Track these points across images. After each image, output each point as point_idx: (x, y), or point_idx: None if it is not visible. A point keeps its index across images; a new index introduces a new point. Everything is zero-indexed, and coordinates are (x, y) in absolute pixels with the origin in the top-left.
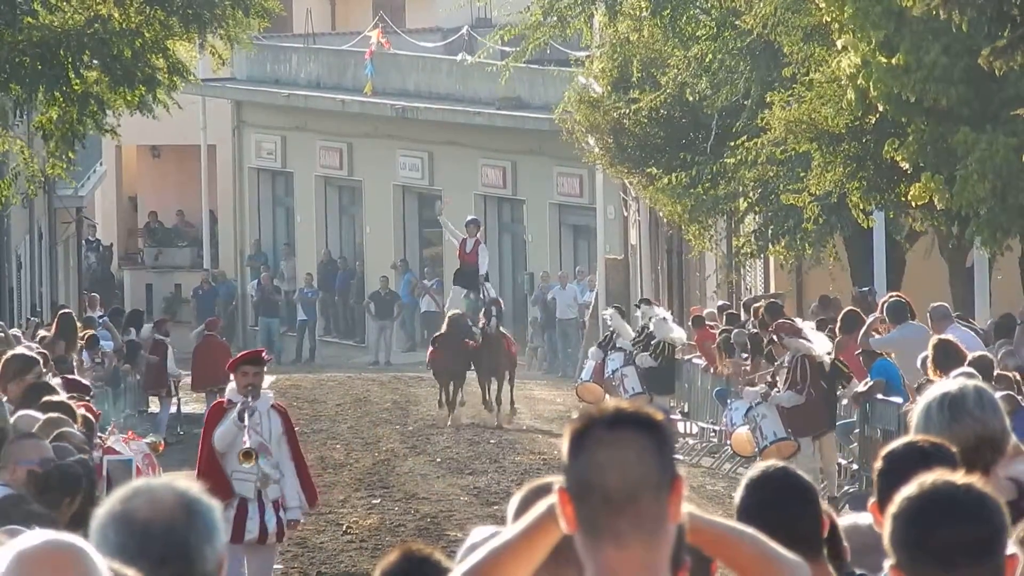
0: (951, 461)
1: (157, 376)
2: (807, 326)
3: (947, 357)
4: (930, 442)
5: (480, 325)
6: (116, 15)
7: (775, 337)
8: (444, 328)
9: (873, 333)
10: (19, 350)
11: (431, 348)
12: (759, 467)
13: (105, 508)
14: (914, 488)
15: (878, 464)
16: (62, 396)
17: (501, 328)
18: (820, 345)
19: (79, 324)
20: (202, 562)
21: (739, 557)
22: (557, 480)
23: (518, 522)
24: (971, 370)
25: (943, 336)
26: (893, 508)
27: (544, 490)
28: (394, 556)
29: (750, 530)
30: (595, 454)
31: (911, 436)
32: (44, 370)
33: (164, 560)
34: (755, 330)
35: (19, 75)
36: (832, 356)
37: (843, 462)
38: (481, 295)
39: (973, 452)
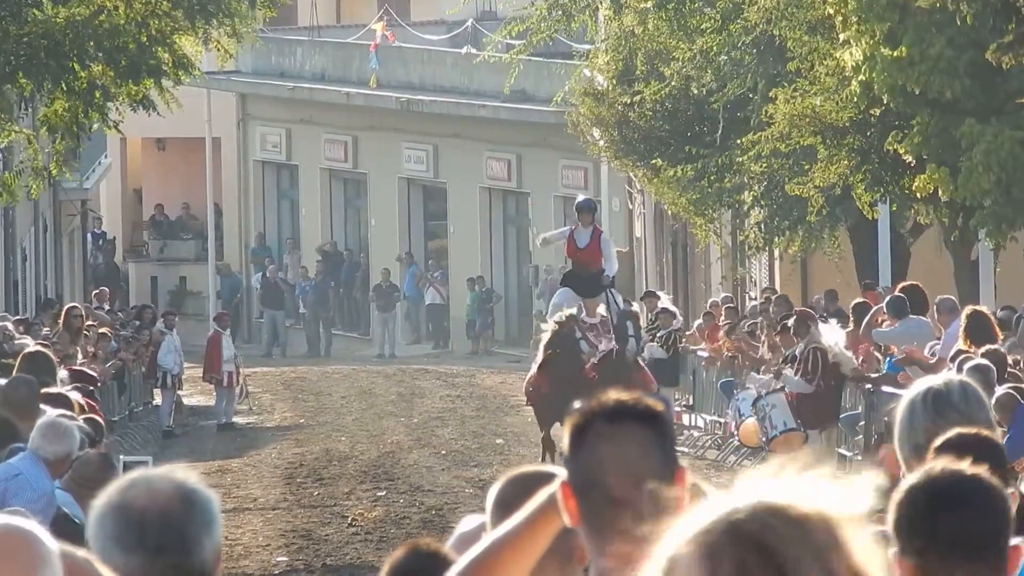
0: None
1: (150, 368)
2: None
3: (979, 328)
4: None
5: (606, 347)
6: (121, 8)
7: (792, 324)
8: (552, 341)
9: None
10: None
11: (536, 372)
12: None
13: (103, 498)
14: (920, 476)
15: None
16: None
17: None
18: (834, 337)
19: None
20: (199, 552)
21: None
22: (536, 468)
23: (518, 513)
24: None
25: (977, 307)
26: (897, 495)
27: (522, 479)
28: (402, 551)
29: None
30: (596, 449)
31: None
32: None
33: (161, 550)
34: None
35: (25, 68)
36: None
37: (848, 455)
38: (609, 305)
39: None
